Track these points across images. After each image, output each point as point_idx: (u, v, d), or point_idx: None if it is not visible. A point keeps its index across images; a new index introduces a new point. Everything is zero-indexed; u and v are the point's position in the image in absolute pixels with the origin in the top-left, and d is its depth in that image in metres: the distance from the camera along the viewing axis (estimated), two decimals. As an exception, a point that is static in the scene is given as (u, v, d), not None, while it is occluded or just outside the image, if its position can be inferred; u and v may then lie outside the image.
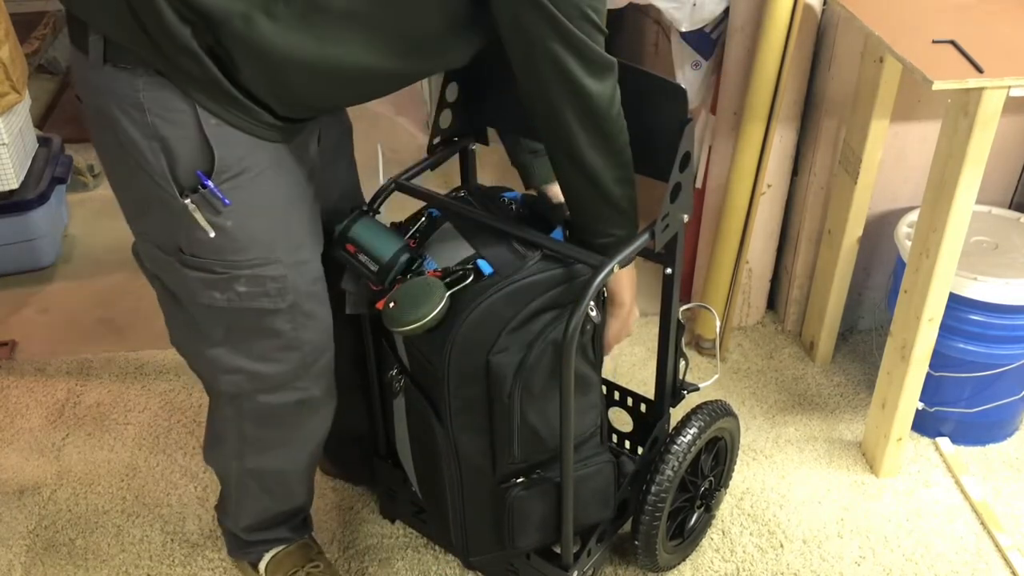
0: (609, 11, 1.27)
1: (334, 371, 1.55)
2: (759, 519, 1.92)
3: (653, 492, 1.62)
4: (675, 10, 2.01)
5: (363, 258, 1.44)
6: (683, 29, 2.05)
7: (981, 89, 1.56)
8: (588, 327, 1.42)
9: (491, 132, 1.67)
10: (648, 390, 1.76)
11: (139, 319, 2.47)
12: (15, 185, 2.52)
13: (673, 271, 1.55)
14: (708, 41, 2.11)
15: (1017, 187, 2.22)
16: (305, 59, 1.22)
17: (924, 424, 2.07)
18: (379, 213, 1.54)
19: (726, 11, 2.03)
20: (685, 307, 1.71)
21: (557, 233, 1.46)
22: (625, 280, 1.49)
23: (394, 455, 1.76)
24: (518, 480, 1.49)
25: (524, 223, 1.47)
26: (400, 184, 1.57)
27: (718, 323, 2.27)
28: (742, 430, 1.90)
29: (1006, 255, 1.95)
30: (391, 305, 1.37)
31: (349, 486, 1.98)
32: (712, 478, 1.78)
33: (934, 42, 1.66)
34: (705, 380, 1.82)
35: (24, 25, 3.35)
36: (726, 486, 1.87)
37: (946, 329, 1.86)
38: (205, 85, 1.22)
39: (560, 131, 1.31)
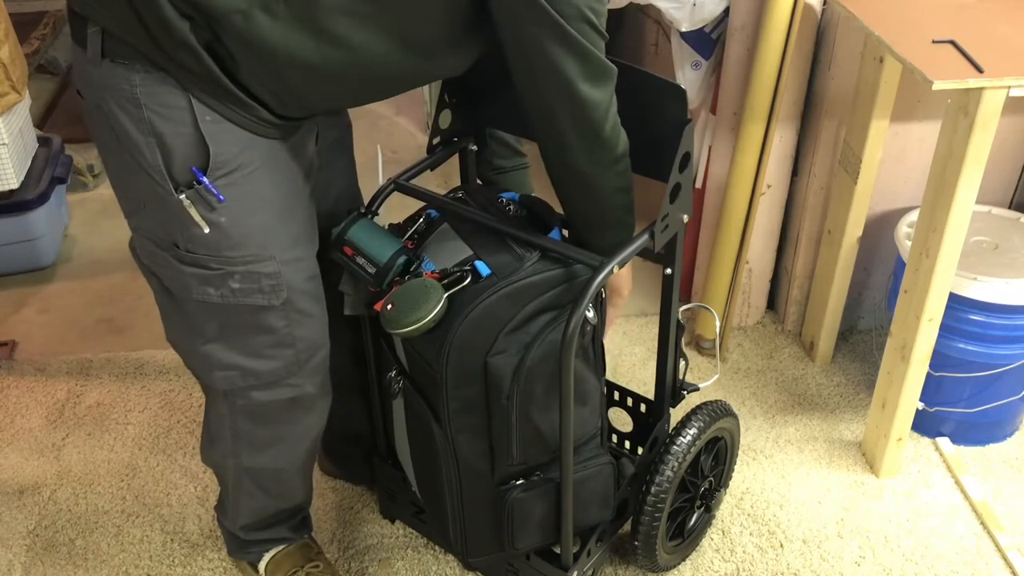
0: (609, 11, 1.26)
1: (332, 370, 1.54)
2: (759, 519, 1.92)
3: (653, 492, 1.62)
4: (675, 10, 2.01)
5: (361, 260, 1.44)
6: (683, 29, 2.05)
7: (981, 89, 1.56)
8: (587, 328, 1.42)
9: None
10: (648, 390, 1.76)
11: (139, 319, 2.47)
12: (15, 185, 2.52)
13: (673, 271, 1.54)
14: (708, 41, 2.11)
15: (1017, 187, 2.22)
16: (304, 58, 1.22)
17: (924, 424, 2.07)
18: (378, 214, 1.54)
19: (726, 11, 2.03)
20: (685, 307, 1.70)
21: (555, 234, 1.46)
22: (625, 273, 1.49)
23: (394, 456, 1.76)
24: (518, 482, 1.49)
25: (522, 224, 1.47)
26: (399, 184, 1.57)
27: (718, 323, 2.27)
28: (742, 430, 1.90)
29: (1006, 255, 1.95)
30: (389, 307, 1.37)
31: (349, 486, 1.98)
32: (712, 478, 1.78)
33: (934, 42, 1.66)
34: (705, 380, 1.82)
35: (24, 25, 3.36)
36: (726, 486, 1.87)
37: (946, 329, 1.86)
38: (203, 81, 1.22)
39: (555, 138, 1.30)
